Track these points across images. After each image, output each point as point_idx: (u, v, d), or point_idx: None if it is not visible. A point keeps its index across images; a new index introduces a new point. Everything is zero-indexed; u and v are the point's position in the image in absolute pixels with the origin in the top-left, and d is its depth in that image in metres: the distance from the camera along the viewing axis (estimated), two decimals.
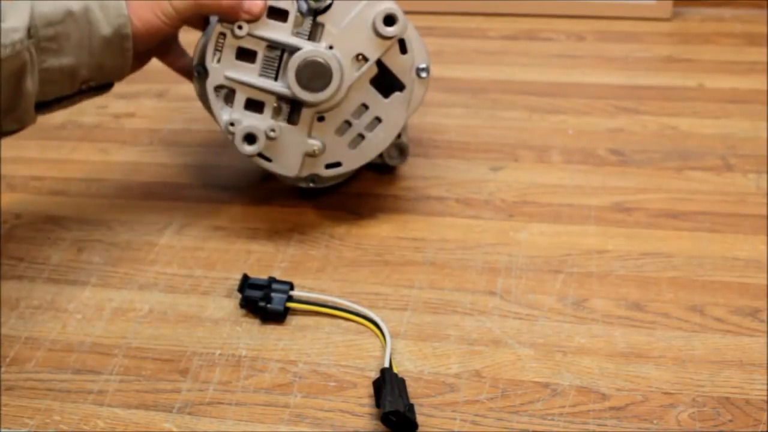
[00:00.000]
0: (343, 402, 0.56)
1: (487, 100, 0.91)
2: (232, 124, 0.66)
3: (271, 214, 0.75)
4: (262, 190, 0.78)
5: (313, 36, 0.66)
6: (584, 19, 1.09)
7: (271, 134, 0.66)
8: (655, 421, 0.54)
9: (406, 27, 0.65)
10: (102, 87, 0.68)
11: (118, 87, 0.96)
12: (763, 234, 0.69)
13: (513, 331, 0.61)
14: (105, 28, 0.63)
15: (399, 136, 0.73)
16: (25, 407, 0.57)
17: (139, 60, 0.69)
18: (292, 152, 0.68)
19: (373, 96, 0.67)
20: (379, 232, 0.72)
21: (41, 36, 0.61)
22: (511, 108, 0.90)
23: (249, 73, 0.66)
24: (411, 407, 0.54)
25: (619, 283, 0.65)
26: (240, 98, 0.66)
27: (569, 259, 0.68)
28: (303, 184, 0.71)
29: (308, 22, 0.65)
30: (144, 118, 0.91)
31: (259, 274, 0.66)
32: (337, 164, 0.69)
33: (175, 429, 0.55)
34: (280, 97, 0.66)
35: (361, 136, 0.68)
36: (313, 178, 0.70)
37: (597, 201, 0.74)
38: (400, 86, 0.67)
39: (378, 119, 0.68)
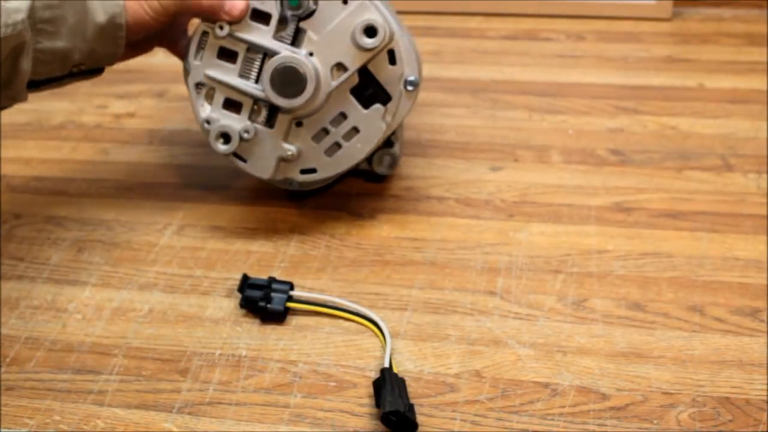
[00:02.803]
0: (343, 402, 0.57)
1: (486, 100, 0.91)
2: (208, 122, 0.67)
3: (271, 214, 0.75)
4: (262, 190, 0.78)
5: (295, 41, 0.65)
6: (584, 19, 1.09)
7: (245, 135, 0.67)
8: (655, 421, 0.54)
9: (388, 39, 0.64)
10: (92, 71, 0.68)
11: (119, 87, 0.97)
12: (763, 234, 0.69)
13: (513, 331, 0.61)
14: (100, 15, 0.63)
15: (392, 145, 0.72)
16: (25, 407, 0.57)
17: (134, 49, 0.69)
18: (267, 155, 0.68)
19: (352, 106, 0.66)
20: (379, 232, 0.72)
21: (38, 17, 0.61)
22: (511, 108, 0.90)
23: (228, 74, 0.66)
24: (411, 407, 0.54)
25: (619, 283, 0.65)
26: (219, 97, 0.67)
27: (569, 259, 0.68)
28: (282, 186, 0.71)
29: (292, 27, 0.65)
30: (144, 118, 0.91)
31: (259, 274, 0.66)
32: (312, 170, 0.69)
33: (175, 429, 0.55)
34: (258, 100, 0.67)
35: (338, 145, 0.68)
36: (290, 181, 0.70)
37: (597, 201, 0.74)
38: (386, 96, 0.67)
39: (356, 129, 0.67)
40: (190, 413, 0.56)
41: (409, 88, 0.67)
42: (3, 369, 0.60)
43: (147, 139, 0.87)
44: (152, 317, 0.64)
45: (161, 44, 0.72)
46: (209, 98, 0.67)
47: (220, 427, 0.55)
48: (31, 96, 0.64)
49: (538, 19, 1.09)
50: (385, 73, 0.66)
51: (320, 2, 0.64)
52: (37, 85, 0.65)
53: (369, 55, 0.65)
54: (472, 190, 0.77)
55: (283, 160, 0.68)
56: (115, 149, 0.86)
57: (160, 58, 0.81)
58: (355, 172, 0.74)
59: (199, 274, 0.68)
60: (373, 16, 0.64)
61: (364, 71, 0.66)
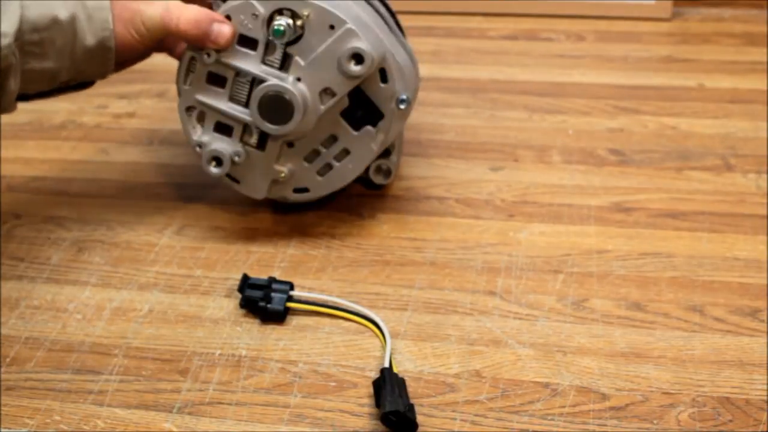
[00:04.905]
0: (343, 402, 0.57)
1: (487, 100, 0.91)
2: (200, 146, 0.67)
3: (271, 215, 0.75)
4: None
5: (283, 66, 0.64)
6: (584, 19, 1.09)
7: (236, 159, 0.67)
8: (655, 421, 0.54)
9: (376, 66, 0.63)
10: (83, 85, 0.69)
11: (119, 87, 0.97)
12: (763, 234, 0.69)
13: (513, 331, 0.61)
14: (89, 39, 0.63)
15: (389, 154, 0.71)
16: (25, 407, 0.57)
17: (125, 64, 0.69)
18: (259, 176, 0.68)
19: (342, 128, 0.66)
20: (379, 232, 0.72)
21: (26, 40, 0.61)
22: (511, 108, 0.90)
23: (218, 98, 0.66)
24: (411, 407, 0.54)
25: (619, 283, 0.65)
26: (210, 121, 0.67)
27: (569, 259, 0.68)
28: (281, 200, 0.71)
29: (279, 52, 0.64)
30: (144, 118, 0.91)
31: (259, 274, 0.66)
32: (305, 189, 0.69)
33: (175, 429, 0.55)
34: (248, 124, 0.66)
35: (329, 166, 0.68)
36: (285, 198, 0.70)
37: (597, 201, 0.74)
38: (378, 115, 0.66)
39: (347, 151, 0.67)
40: (190, 413, 0.56)
41: (401, 106, 0.65)
42: (3, 369, 0.60)
43: (147, 139, 0.87)
44: (152, 317, 0.64)
45: (161, 50, 0.72)
46: (201, 120, 0.68)
47: (220, 427, 0.55)
48: None
49: (538, 19, 1.09)
50: (377, 92, 0.65)
51: (307, 27, 0.63)
52: (26, 98, 0.65)
53: (356, 81, 0.64)
54: (472, 190, 0.77)
55: (275, 181, 0.68)
56: (115, 149, 0.86)
57: (160, 57, 0.81)
58: (355, 180, 0.73)
59: (199, 274, 0.68)
60: (359, 44, 0.62)
61: (355, 90, 0.65)
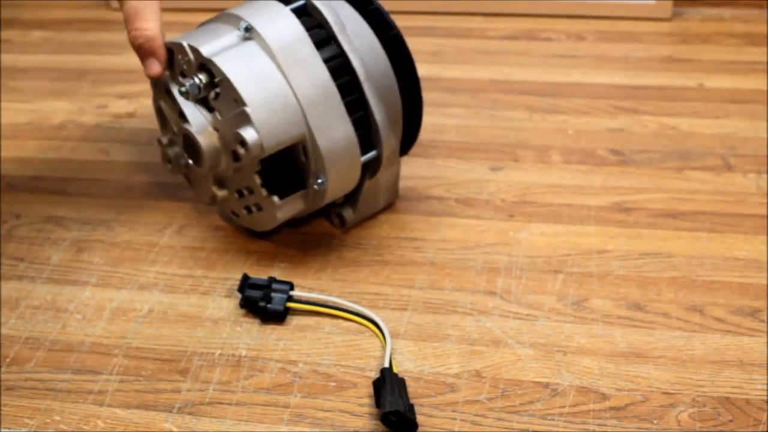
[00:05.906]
0: (343, 402, 0.57)
1: (487, 100, 0.91)
2: (159, 142, 0.69)
3: None
4: None
5: (213, 110, 0.64)
6: (584, 19, 1.09)
7: (182, 162, 0.68)
8: (655, 421, 0.54)
9: (261, 155, 0.61)
10: None
11: (119, 87, 0.97)
12: (763, 234, 0.69)
13: (513, 331, 0.61)
14: None
15: (351, 202, 0.70)
16: (25, 407, 0.57)
17: None
18: (202, 189, 0.69)
19: (256, 186, 0.65)
20: (379, 232, 0.72)
21: None
22: (511, 108, 0.90)
23: (170, 111, 0.67)
24: (411, 407, 0.54)
25: (619, 283, 0.65)
26: (170, 125, 0.68)
27: (569, 259, 0.68)
28: None
29: (213, 96, 0.63)
30: (144, 118, 0.91)
31: (259, 274, 0.66)
32: (238, 215, 0.70)
33: (175, 429, 0.55)
34: None
35: (250, 209, 0.67)
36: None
37: (597, 201, 0.74)
38: (301, 183, 0.65)
39: (259, 206, 0.66)
40: (190, 413, 0.56)
41: (315, 186, 0.63)
42: (3, 369, 0.60)
43: (147, 139, 0.87)
44: (152, 317, 0.64)
45: None
46: (165, 121, 0.69)
47: (220, 427, 0.55)
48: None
49: (538, 19, 1.09)
50: (301, 162, 0.64)
51: (221, 91, 0.61)
52: None
53: (252, 160, 0.62)
54: (472, 190, 0.77)
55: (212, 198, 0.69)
56: (115, 149, 0.86)
57: None
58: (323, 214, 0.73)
59: (199, 274, 0.68)
60: (245, 133, 0.60)
61: (288, 149, 0.63)
